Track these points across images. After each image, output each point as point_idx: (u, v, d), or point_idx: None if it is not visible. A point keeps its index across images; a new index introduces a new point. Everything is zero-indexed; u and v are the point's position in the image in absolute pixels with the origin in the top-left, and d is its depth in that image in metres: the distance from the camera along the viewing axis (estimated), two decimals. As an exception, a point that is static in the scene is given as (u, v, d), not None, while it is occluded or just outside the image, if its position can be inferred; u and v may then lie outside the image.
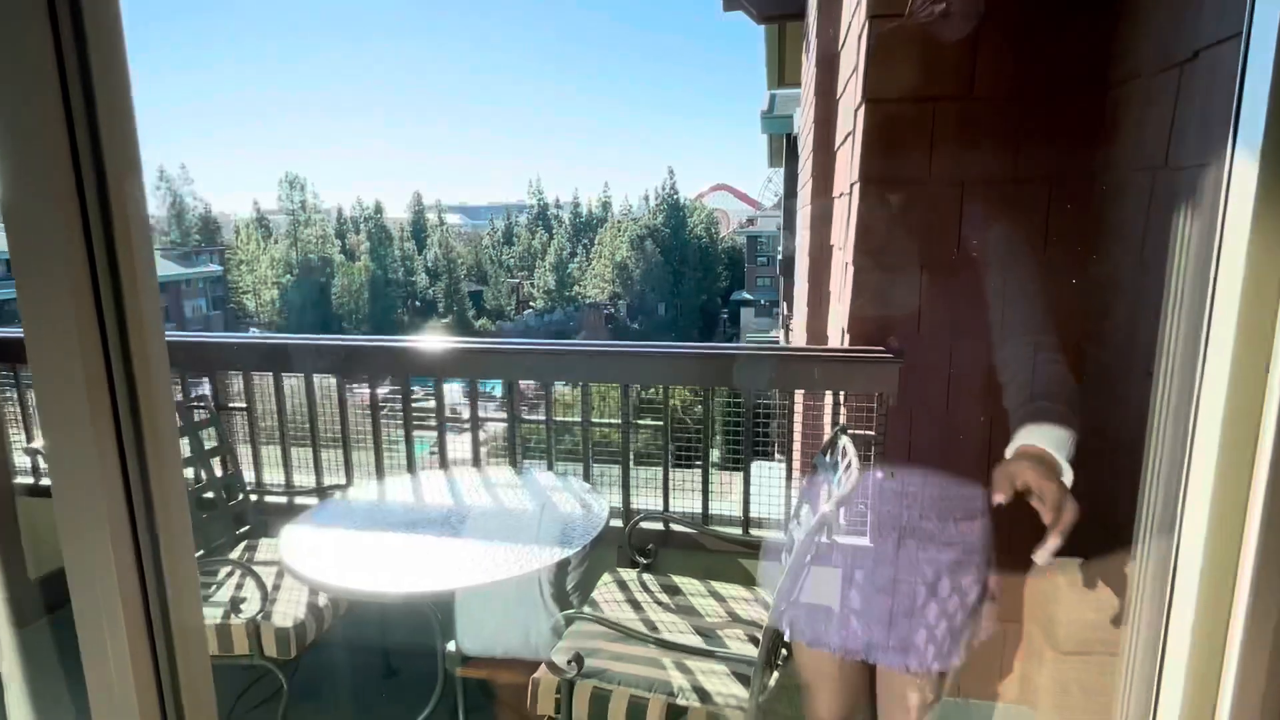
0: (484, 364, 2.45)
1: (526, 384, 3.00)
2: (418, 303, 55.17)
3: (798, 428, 2.49)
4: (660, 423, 2.43)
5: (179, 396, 2.71)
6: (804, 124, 5.62)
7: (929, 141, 2.16)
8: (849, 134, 2.62)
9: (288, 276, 51.03)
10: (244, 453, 2.77)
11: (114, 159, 0.74)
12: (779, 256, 10.78)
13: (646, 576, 2.22)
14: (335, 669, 2.49)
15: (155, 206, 51.61)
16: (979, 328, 2.25)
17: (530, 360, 2.43)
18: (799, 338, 5.34)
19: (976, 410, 2.28)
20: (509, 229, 65.28)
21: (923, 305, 2.24)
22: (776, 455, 2.93)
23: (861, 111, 2.21)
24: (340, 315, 51.67)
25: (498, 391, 2.71)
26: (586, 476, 2.51)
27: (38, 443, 2.20)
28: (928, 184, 2.19)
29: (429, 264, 56.82)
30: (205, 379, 2.72)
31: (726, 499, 2.60)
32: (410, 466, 2.63)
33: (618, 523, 2.48)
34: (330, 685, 2.49)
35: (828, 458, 2.02)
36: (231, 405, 2.72)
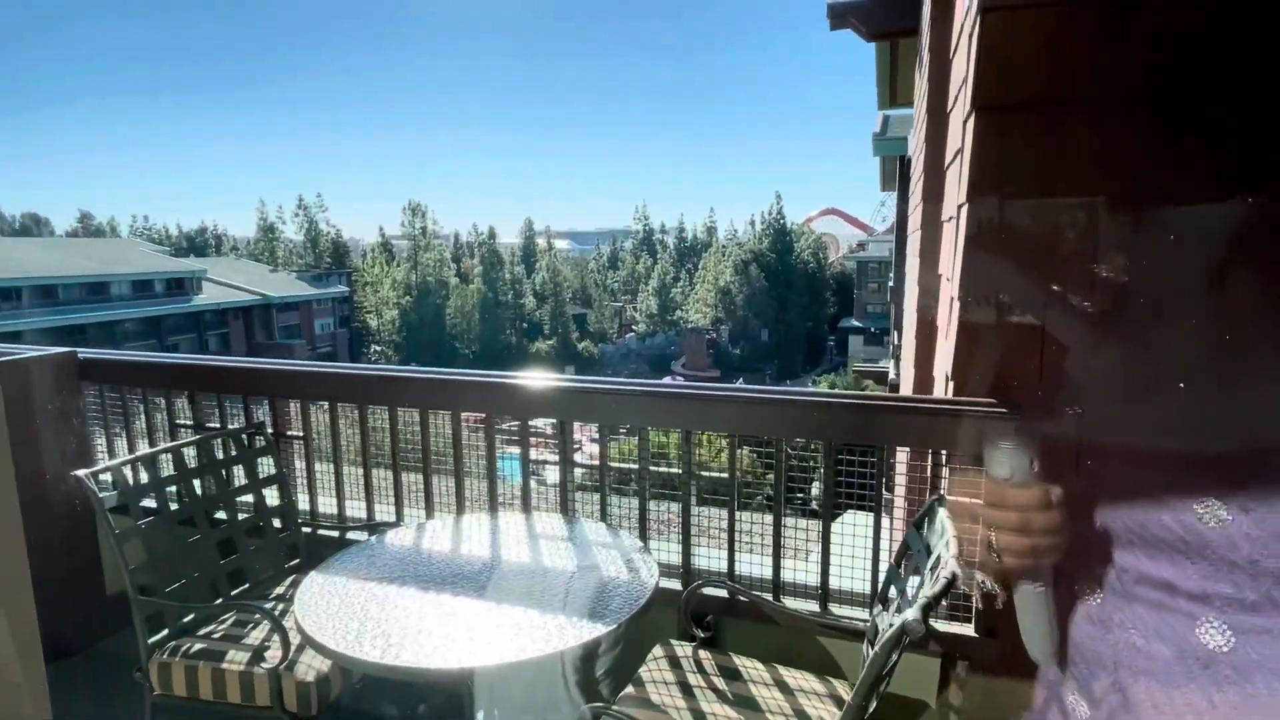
0: (526, 402, 2.26)
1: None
2: (525, 324, 56.85)
3: (899, 485, 2.15)
4: (725, 474, 2.14)
5: (239, 421, 2.68)
6: (916, 145, 5.22)
7: (1054, 154, 1.80)
8: (958, 150, 2.27)
9: (407, 298, 53.93)
10: (300, 482, 2.71)
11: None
12: (890, 283, 10.21)
13: (704, 654, 1.94)
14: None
15: (293, 232, 56.03)
16: (1129, 384, 1.84)
17: (583, 400, 2.22)
18: (906, 374, 4.89)
19: (1120, 486, 1.85)
20: (614, 254, 66.43)
21: (1046, 352, 1.86)
22: (866, 504, 2.58)
23: (971, 121, 1.88)
24: (453, 335, 53.99)
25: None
26: (642, 525, 2.26)
27: (107, 463, 2.19)
28: (1053, 204, 1.83)
29: (537, 287, 58.54)
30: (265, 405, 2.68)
31: (803, 562, 2.27)
32: (459, 504, 2.47)
33: (676, 584, 2.21)
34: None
35: (922, 532, 1.68)
36: (289, 433, 2.66)
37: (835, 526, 2.10)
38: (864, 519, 2.15)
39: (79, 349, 2.89)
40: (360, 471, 2.63)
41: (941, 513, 1.55)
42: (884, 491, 2.09)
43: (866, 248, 55.24)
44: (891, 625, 1.58)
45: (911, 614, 1.17)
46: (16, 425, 2.69)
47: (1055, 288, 1.84)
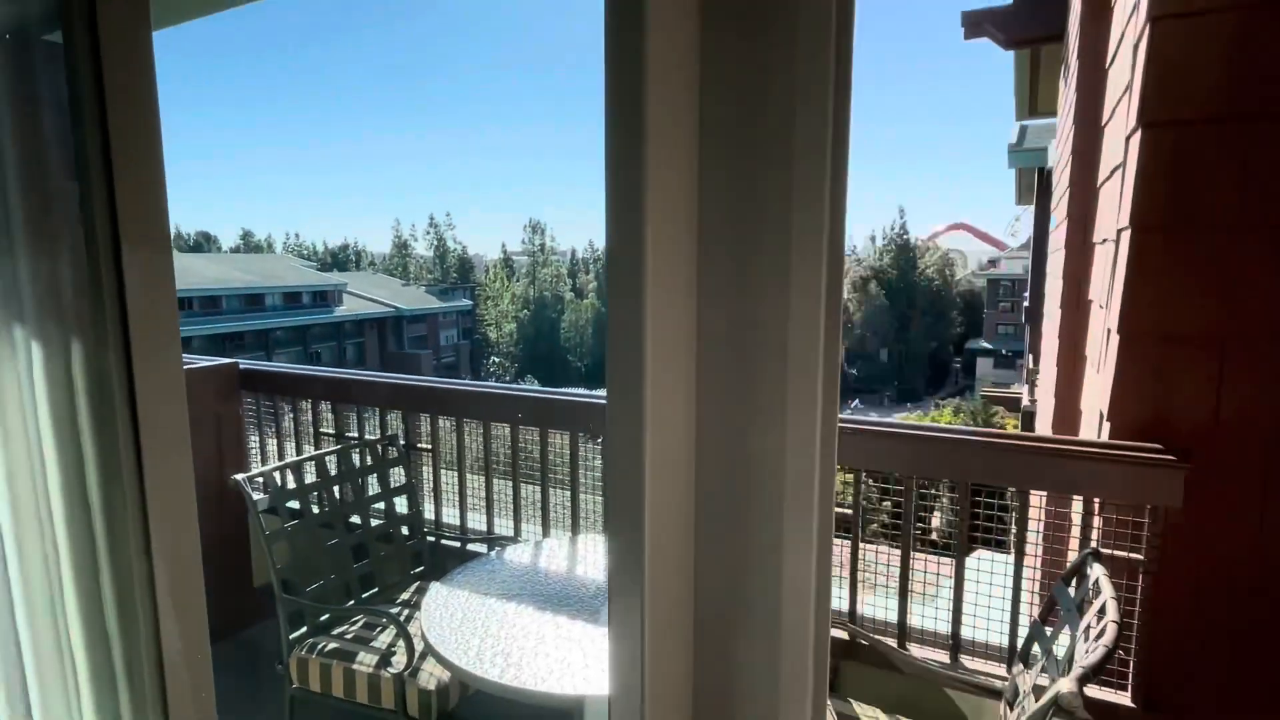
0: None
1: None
2: (637, 339, 57.54)
3: (1033, 529, 1.98)
4: (850, 509, 2.05)
5: (375, 431, 2.85)
6: (1059, 157, 4.89)
7: (1238, 173, 1.61)
8: (1117, 167, 2.09)
9: (525, 311, 56.07)
10: (426, 492, 2.83)
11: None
12: (1025, 303, 9.56)
13: (821, 697, 1.85)
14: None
15: (424, 249, 59.67)
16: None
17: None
18: (1045, 403, 4.54)
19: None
20: (728, 270, 65.97)
21: (1223, 391, 1.66)
22: (997, 544, 2.40)
23: (1136, 139, 1.71)
24: (566, 348, 55.52)
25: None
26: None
27: (261, 467, 2.40)
28: (1235, 230, 1.63)
29: (649, 302, 59.15)
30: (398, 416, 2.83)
31: (931, 607, 2.13)
32: (574, 521, 2.50)
33: (793, 621, 2.13)
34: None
35: (1072, 589, 1.53)
36: (419, 445, 2.79)
37: (968, 574, 1.96)
38: (1000, 562, 2.00)
39: (240, 360, 3.17)
40: (480, 483, 2.72)
41: (1097, 569, 1.41)
42: (1023, 535, 1.93)
43: (998, 264, 52.15)
44: (1037, 687, 1.45)
45: (1067, 685, 1.06)
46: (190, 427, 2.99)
47: (1235, 322, 1.64)
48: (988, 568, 1.98)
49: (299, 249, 69.24)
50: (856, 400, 46.30)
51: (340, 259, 67.09)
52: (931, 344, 52.47)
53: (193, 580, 1.11)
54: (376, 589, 2.49)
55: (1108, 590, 1.31)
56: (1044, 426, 4.45)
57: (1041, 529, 1.95)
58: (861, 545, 2.08)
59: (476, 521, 2.77)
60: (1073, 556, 1.84)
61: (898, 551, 2.04)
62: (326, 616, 2.27)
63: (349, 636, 2.21)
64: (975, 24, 5.20)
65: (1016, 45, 5.45)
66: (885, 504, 2.38)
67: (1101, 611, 1.27)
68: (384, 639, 2.19)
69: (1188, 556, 1.71)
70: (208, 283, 39.35)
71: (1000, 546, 2.22)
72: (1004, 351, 45.88)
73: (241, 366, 3.15)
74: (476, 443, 2.70)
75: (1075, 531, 1.85)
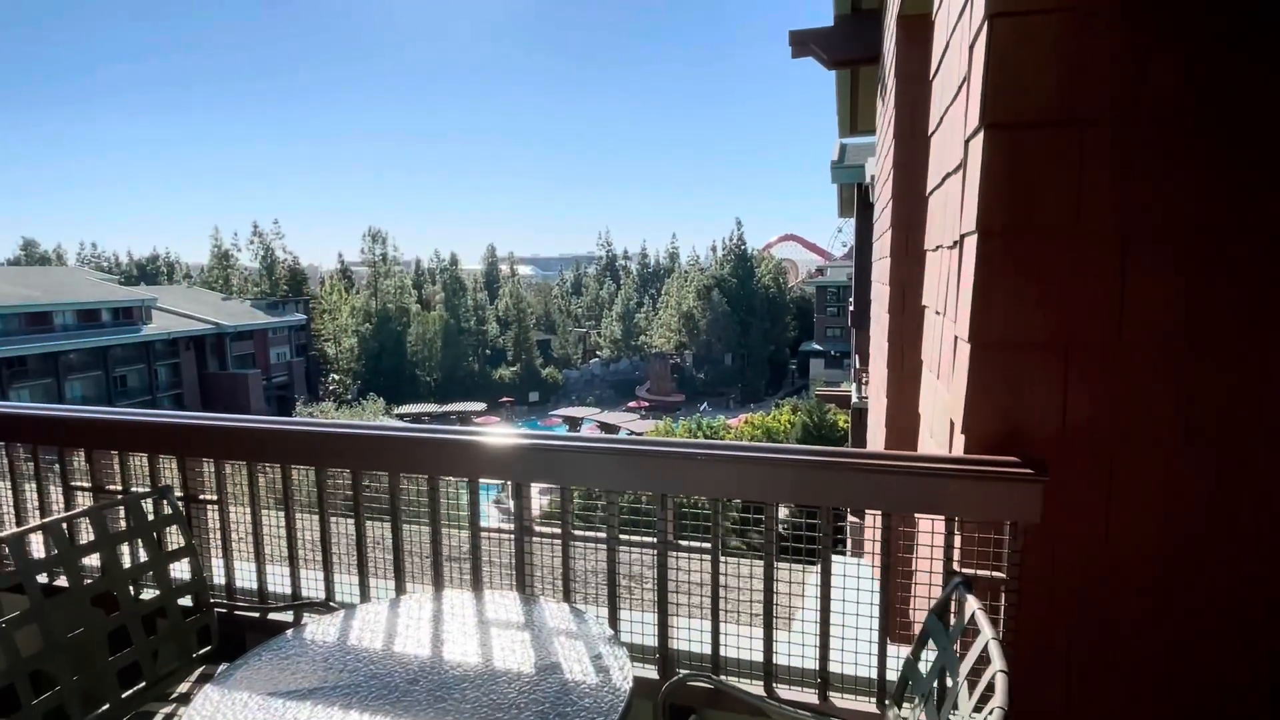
0: (477, 462, 1.96)
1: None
2: (488, 351, 56.11)
3: (873, 539, 1.89)
4: (708, 544, 1.86)
5: (146, 485, 2.32)
6: (879, 171, 5.10)
7: (1074, 177, 1.59)
8: (949, 174, 2.06)
9: (366, 325, 52.87)
10: (215, 553, 2.35)
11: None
12: (850, 307, 10.14)
13: (686, 761, 1.64)
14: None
15: (249, 259, 54.69)
16: (1158, 430, 1.63)
17: (544, 459, 1.93)
18: (877, 404, 4.70)
19: (1151, 544, 1.62)
20: (578, 279, 66.30)
21: (1069, 399, 1.63)
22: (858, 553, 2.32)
23: (979, 140, 1.66)
24: (414, 362, 52.99)
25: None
26: (611, 606, 1.96)
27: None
28: (1072, 234, 1.61)
29: (500, 313, 57.93)
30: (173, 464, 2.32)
31: (797, 636, 1.99)
32: (397, 572, 2.15)
33: (652, 671, 1.92)
34: None
35: (943, 622, 1.41)
36: (202, 497, 2.30)
37: (833, 594, 1.83)
38: (865, 578, 1.89)
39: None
40: (285, 538, 2.28)
41: (972, 602, 1.29)
42: (886, 563, 1.83)
43: (825, 273, 56.09)
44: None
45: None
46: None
47: (1075, 327, 1.62)
48: (854, 585, 1.86)
49: (97, 260, 61.13)
50: (705, 404, 47.83)
51: (149, 271, 59.94)
52: (770, 347, 55.44)
53: None
54: (144, 683, 2.00)
55: (988, 631, 1.19)
56: (877, 425, 4.60)
57: (900, 548, 1.86)
58: (732, 562, 1.91)
59: (281, 580, 2.32)
60: (926, 573, 1.76)
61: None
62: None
63: (97, 756, 1.73)
64: (801, 43, 5.34)
65: (837, 65, 5.67)
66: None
67: (983, 655, 1.14)
68: (147, 752, 1.73)
69: (1043, 569, 1.67)
70: (-27, 301, 33.59)
71: (857, 550, 2.13)
72: (833, 353, 49.38)
73: (-41, 409, 2.48)
74: (272, 495, 2.26)
75: (929, 551, 1.76)
